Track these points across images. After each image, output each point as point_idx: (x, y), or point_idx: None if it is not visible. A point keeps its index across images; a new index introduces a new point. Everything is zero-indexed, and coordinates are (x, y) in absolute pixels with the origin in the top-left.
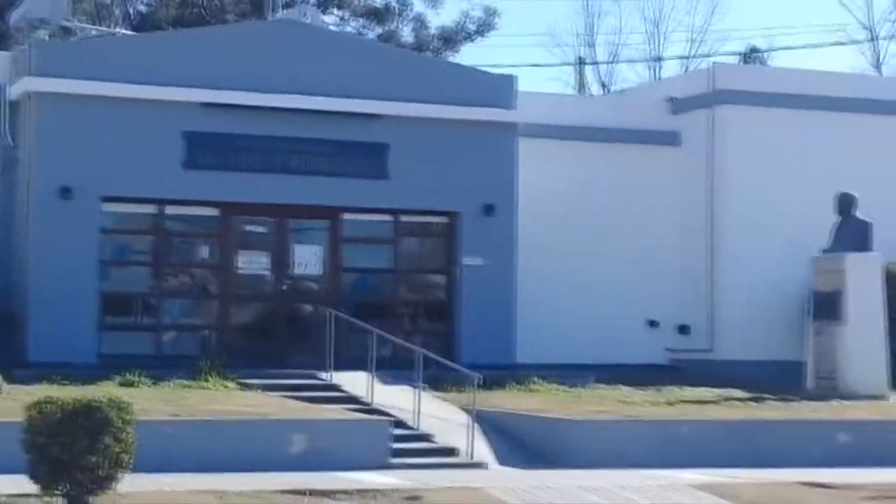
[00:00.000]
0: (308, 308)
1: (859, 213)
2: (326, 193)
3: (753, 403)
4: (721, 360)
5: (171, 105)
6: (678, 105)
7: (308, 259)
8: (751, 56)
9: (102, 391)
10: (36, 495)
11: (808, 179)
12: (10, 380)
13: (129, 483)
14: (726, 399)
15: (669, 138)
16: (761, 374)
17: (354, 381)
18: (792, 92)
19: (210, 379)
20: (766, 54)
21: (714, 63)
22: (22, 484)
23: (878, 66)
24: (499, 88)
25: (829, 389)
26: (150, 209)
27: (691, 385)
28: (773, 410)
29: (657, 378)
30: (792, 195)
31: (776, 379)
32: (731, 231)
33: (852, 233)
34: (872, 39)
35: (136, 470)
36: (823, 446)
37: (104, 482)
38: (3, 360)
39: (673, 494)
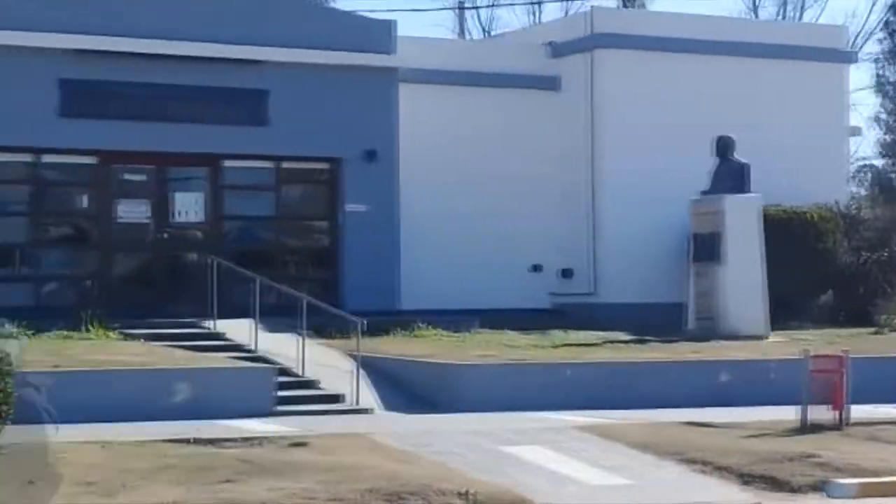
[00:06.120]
0: (190, 256)
1: (737, 156)
2: (206, 141)
3: (636, 345)
4: (604, 304)
5: (44, 52)
6: (557, 49)
7: (189, 207)
8: (630, 0)
9: None
10: None
11: (687, 122)
12: None
13: (11, 434)
14: (609, 342)
15: (549, 83)
16: (644, 316)
17: (238, 329)
18: (670, 35)
19: (91, 329)
20: None
21: (592, 7)
22: None
23: (754, 9)
24: (378, 33)
25: (710, 330)
26: (26, 158)
27: (575, 329)
28: (656, 352)
29: (541, 322)
30: (671, 138)
31: (658, 321)
32: (611, 175)
33: (730, 175)
34: None
35: (17, 422)
36: (705, 386)
37: None
38: None
39: (559, 437)
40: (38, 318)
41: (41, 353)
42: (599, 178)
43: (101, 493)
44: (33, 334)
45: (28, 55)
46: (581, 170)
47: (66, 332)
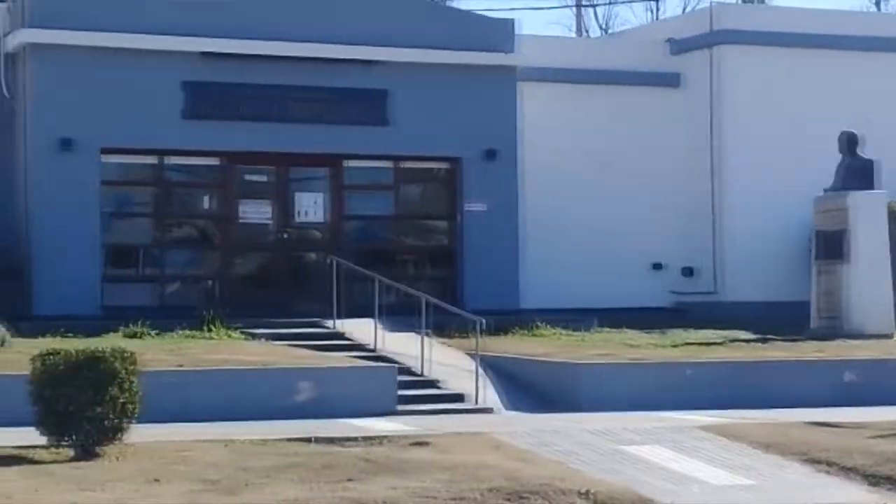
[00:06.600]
0: (311, 256)
1: (863, 152)
2: (327, 141)
3: (759, 344)
4: (726, 302)
5: (169, 55)
6: (678, 46)
7: (310, 207)
8: None
9: (107, 342)
10: (45, 446)
11: (811, 118)
12: (16, 333)
13: (137, 433)
14: (731, 340)
15: (670, 80)
16: (766, 314)
17: (359, 329)
18: (793, 31)
19: (214, 329)
20: None
21: (714, 2)
22: (31, 436)
23: (877, 3)
24: (498, 32)
25: (835, 329)
26: (150, 160)
27: (696, 327)
28: (779, 351)
29: (662, 321)
30: (795, 134)
31: (781, 319)
32: (734, 172)
33: (856, 171)
34: None
35: (143, 420)
36: (829, 386)
37: (112, 432)
38: (8, 314)
39: (680, 436)
40: (161, 318)
41: (162, 353)
42: (722, 174)
43: (223, 491)
44: (157, 334)
45: (153, 58)
46: (703, 167)
47: (188, 332)
